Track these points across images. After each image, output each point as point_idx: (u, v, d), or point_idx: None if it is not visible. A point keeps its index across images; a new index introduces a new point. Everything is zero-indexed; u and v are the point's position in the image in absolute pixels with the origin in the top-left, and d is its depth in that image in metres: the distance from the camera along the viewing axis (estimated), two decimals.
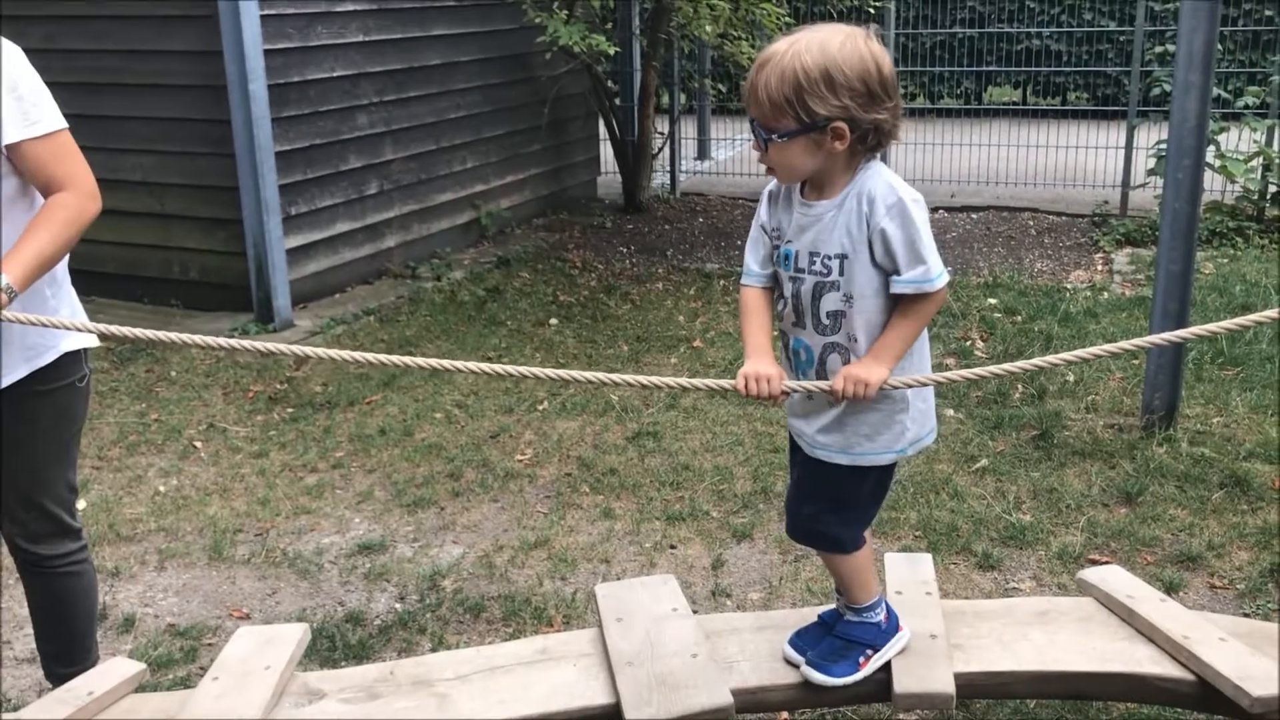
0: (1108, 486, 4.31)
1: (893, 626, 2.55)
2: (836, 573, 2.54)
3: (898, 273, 2.24)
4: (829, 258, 2.28)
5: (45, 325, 2.49)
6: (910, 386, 2.35)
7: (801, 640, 2.58)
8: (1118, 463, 4.47)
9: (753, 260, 2.43)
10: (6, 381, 2.65)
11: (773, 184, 2.38)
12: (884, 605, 2.55)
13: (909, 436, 2.39)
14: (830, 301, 2.30)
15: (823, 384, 2.33)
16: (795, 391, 2.38)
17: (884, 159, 2.43)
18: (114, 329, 2.54)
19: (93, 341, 2.79)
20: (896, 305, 2.29)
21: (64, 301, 2.76)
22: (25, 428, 2.71)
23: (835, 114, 2.15)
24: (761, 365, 2.32)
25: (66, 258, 2.74)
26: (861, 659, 2.49)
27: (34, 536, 2.82)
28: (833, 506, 2.43)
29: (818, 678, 2.47)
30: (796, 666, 2.53)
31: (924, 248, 2.22)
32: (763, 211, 2.41)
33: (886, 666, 2.52)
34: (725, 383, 2.42)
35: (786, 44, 2.19)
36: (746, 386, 2.31)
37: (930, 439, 2.46)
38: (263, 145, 6.25)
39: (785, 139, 2.19)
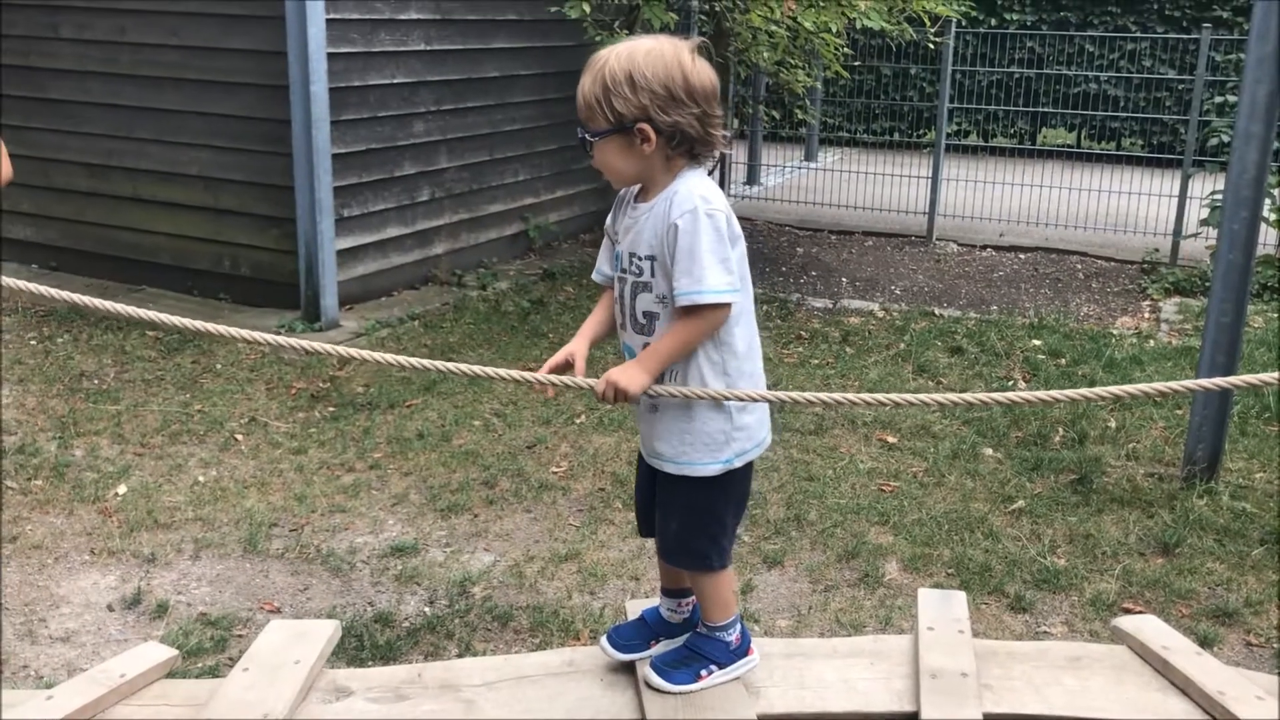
0: (1145, 535, 4.26)
1: (743, 649, 2.56)
2: (699, 590, 2.55)
3: (674, 279, 2.28)
4: (641, 258, 2.35)
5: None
6: (675, 397, 2.35)
7: (620, 636, 2.60)
8: (1156, 512, 4.42)
9: (603, 260, 2.53)
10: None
11: (623, 189, 2.47)
12: (739, 627, 2.56)
13: (734, 448, 2.41)
14: (644, 302, 2.38)
15: (583, 381, 2.43)
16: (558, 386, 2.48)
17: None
18: (164, 317, 2.58)
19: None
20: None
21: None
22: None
23: (635, 114, 2.25)
24: (566, 348, 2.49)
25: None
26: (704, 672, 2.51)
27: None
28: (689, 518, 2.46)
29: (656, 681, 2.49)
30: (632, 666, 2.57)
31: (703, 259, 2.24)
32: (611, 214, 2.49)
33: (916, 701, 2.51)
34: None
35: (609, 50, 2.31)
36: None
37: (757, 453, 2.48)
38: (320, 147, 6.32)
39: (599, 138, 2.30)
